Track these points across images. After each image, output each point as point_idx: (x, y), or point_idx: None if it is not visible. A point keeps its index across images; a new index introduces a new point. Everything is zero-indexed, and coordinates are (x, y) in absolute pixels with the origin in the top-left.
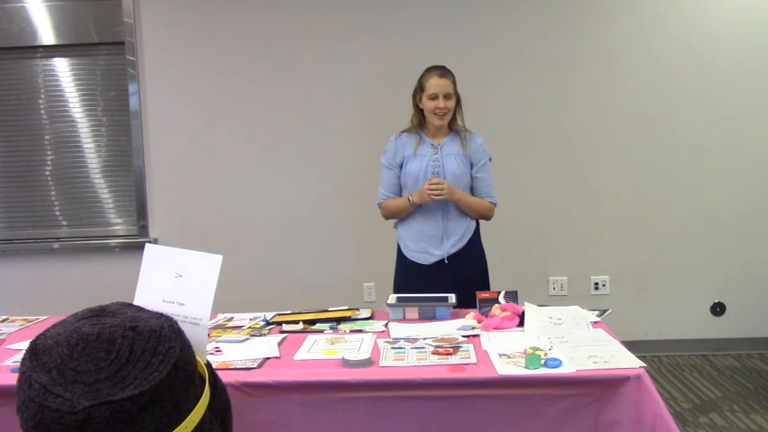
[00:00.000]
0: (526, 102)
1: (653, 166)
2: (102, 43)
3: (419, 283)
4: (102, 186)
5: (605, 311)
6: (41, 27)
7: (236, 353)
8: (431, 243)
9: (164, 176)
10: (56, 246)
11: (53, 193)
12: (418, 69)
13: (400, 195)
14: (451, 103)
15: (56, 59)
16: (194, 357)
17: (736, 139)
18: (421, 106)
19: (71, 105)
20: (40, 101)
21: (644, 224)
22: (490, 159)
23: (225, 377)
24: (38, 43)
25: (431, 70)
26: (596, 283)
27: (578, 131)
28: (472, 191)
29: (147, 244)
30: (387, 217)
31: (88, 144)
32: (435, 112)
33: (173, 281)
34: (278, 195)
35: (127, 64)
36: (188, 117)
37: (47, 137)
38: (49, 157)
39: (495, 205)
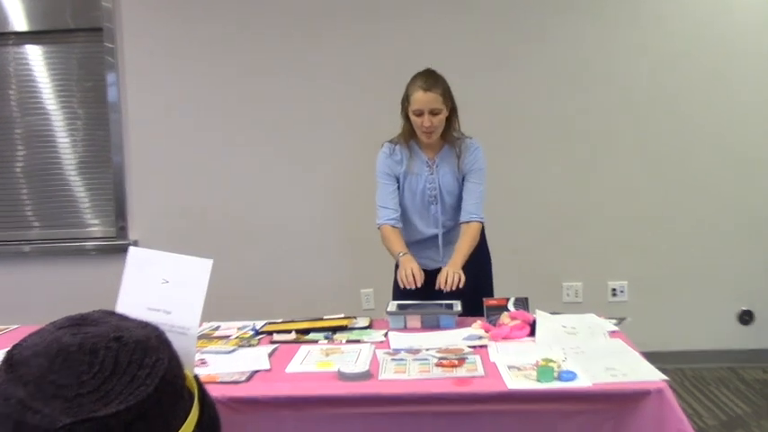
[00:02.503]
0: (537, 94)
1: (674, 163)
2: (79, 29)
3: (421, 289)
4: (78, 184)
5: (623, 320)
6: (13, 12)
7: (222, 365)
8: (432, 249)
9: (145, 174)
10: (27, 249)
11: (24, 191)
12: (419, 64)
13: (399, 210)
14: (439, 119)
15: (28, 47)
16: (183, 370)
17: (767, 133)
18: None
19: (44, 97)
20: (11, 91)
21: (665, 225)
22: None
23: (210, 391)
24: (9, 29)
25: (416, 80)
26: (614, 289)
27: (593, 126)
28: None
29: (130, 247)
30: (384, 243)
31: (63, 138)
32: (422, 129)
33: (159, 287)
34: (269, 195)
35: (105, 52)
36: (171, 110)
37: (18, 130)
38: (21, 153)
39: (481, 224)
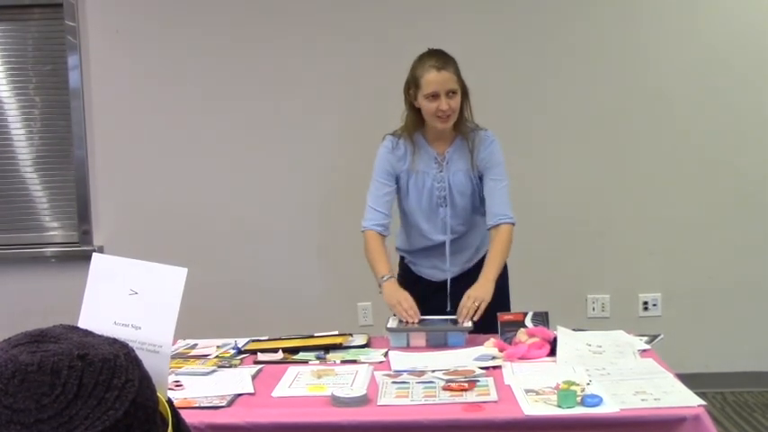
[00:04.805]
0: (554, 82)
1: (715, 160)
2: (35, 5)
3: (427, 302)
4: (35, 182)
5: (656, 337)
6: None
7: (200, 388)
8: (439, 257)
9: (111, 170)
10: None
11: None
12: (421, 48)
13: (390, 217)
14: (456, 101)
15: None
16: (155, 393)
17: None
18: (417, 105)
19: None
20: None
21: (704, 230)
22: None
23: (187, 417)
24: None
25: (425, 60)
26: (645, 303)
27: (621, 117)
28: (481, 203)
29: (94, 254)
30: (365, 253)
31: (17, 130)
32: (438, 114)
33: (127, 299)
34: (252, 195)
35: (66, 31)
36: (141, 98)
37: None
38: None
39: (512, 226)
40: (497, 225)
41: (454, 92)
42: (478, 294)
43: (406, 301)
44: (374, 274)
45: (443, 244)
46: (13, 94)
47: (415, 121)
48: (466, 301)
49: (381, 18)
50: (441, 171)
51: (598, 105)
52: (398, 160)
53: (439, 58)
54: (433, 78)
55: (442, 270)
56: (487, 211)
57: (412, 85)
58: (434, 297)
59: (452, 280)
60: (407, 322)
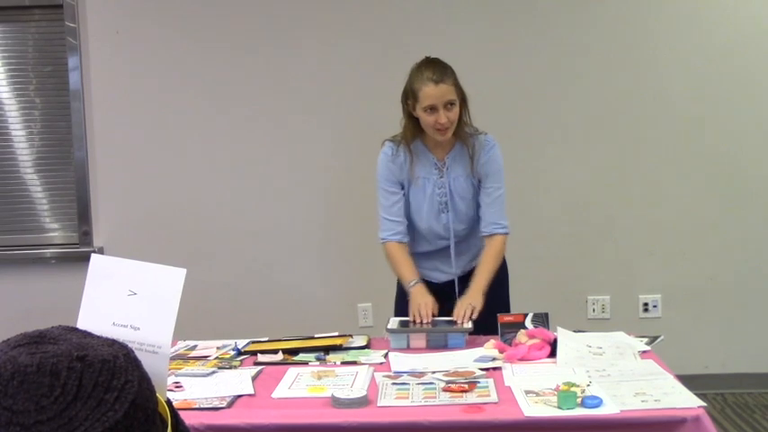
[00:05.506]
0: (554, 83)
1: (716, 159)
2: (36, 6)
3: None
4: (35, 183)
5: (656, 338)
6: None
7: (200, 389)
8: (442, 260)
9: (111, 172)
10: None
11: None
12: (423, 50)
13: (405, 221)
14: (455, 113)
15: None
16: (154, 393)
17: None
18: (415, 115)
19: None
20: None
21: (705, 230)
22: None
23: (187, 419)
24: None
25: (422, 72)
26: (645, 304)
27: (621, 117)
28: (477, 208)
29: (92, 254)
30: (389, 262)
31: (18, 131)
32: (436, 128)
33: (125, 300)
34: (252, 196)
35: (66, 32)
36: (141, 99)
37: None
38: None
39: (506, 235)
40: (492, 235)
41: (452, 103)
42: (469, 302)
43: (425, 307)
44: (401, 280)
45: (447, 248)
46: (13, 96)
47: (414, 130)
48: (460, 305)
49: (382, 19)
50: (441, 177)
51: (598, 106)
52: (400, 168)
53: (436, 69)
54: (431, 92)
55: (444, 272)
56: (482, 219)
57: (410, 96)
58: (436, 298)
59: (454, 280)
60: (415, 322)
